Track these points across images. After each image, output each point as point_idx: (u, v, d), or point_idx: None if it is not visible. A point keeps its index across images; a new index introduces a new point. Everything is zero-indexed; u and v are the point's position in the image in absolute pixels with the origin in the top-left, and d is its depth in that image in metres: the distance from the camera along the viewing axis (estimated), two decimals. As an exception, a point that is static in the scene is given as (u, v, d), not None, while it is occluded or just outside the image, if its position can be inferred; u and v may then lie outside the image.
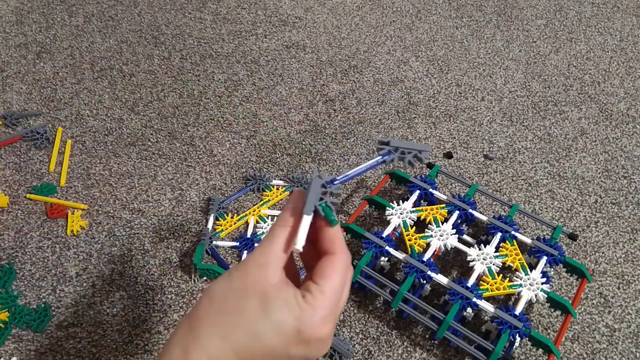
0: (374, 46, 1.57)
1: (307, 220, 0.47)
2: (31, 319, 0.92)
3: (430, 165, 1.13)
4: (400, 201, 1.04)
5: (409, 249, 0.97)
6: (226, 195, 1.15)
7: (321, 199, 0.48)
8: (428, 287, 0.95)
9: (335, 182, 0.50)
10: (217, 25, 1.60)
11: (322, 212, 0.48)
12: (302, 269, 1.03)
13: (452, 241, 0.98)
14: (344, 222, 1.10)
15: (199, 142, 1.26)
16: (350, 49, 1.55)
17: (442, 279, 0.92)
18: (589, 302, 1.01)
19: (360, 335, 0.94)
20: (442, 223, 1.01)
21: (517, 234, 0.99)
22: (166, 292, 0.98)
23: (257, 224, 1.09)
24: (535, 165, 1.26)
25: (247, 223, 1.10)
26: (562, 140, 1.32)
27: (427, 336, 0.95)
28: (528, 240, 0.99)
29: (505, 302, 1.00)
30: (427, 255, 0.95)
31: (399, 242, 1.06)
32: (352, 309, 0.98)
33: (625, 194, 1.21)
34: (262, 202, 1.13)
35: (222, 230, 1.07)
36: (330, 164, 1.22)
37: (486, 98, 1.42)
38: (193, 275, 1.00)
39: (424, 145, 0.52)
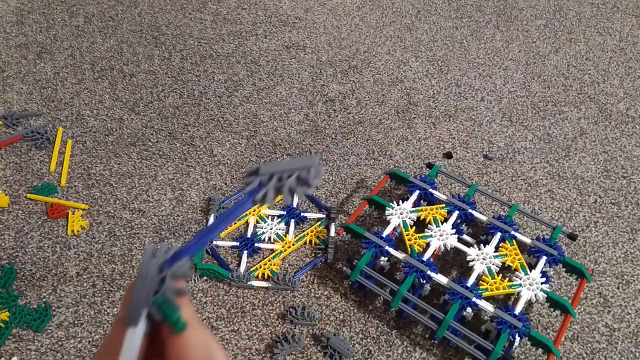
0: (374, 46, 1.57)
1: (132, 337, 0.30)
2: (31, 318, 0.93)
3: (430, 165, 1.14)
4: (400, 201, 1.04)
5: (409, 249, 0.97)
6: (226, 195, 1.15)
7: (157, 292, 0.31)
8: (428, 287, 0.96)
9: (178, 258, 0.33)
10: (218, 25, 1.60)
11: (159, 314, 0.31)
12: (302, 269, 1.03)
13: (452, 241, 0.98)
14: (344, 222, 1.11)
15: (199, 142, 1.26)
16: (350, 50, 1.55)
17: (441, 279, 0.92)
18: (588, 302, 1.01)
19: (360, 335, 0.94)
20: (442, 223, 1.01)
21: (516, 234, 1.00)
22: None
23: (257, 224, 1.09)
24: (534, 165, 1.26)
25: (247, 223, 1.10)
26: (561, 140, 1.32)
27: (426, 336, 0.95)
28: (528, 240, 0.99)
29: (504, 302, 1.00)
30: (427, 255, 0.95)
31: (398, 242, 1.06)
32: (352, 308, 0.98)
33: (624, 194, 1.21)
34: (262, 202, 1.13)
35: (222, 230, 1.07)
36: (330, 164, 1.23)
37: (486, 98, 1.42)
38: (193, 275, 1.00)
39: (310, 158, 0.36)
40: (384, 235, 0.98)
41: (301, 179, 0.35)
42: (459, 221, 1.03)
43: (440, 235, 0.99)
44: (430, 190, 1.06)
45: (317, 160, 0.36)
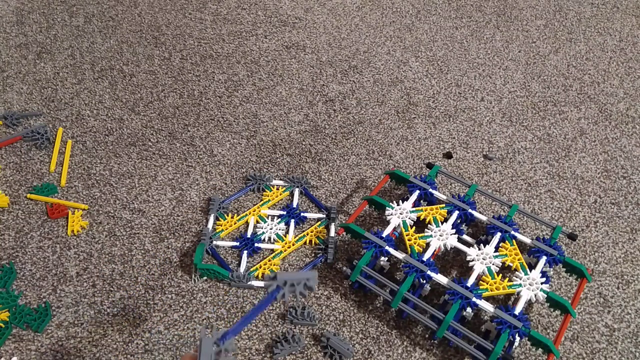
0: (374, 46, 1.57)
1: None
2: (32, 318, 0.93)
3: (430, 165, 1.14)
4: (400, 201, 1.04)
5: (409, 249, 0.97)
6: (226, 195, 1.15)
7: None
8: (428, 286, 0.96)
9: (227, 337, 0.47)
10: (218, 25, 1.60)
11: None
12: (306, 266, 1.03)
13: (452, 241, 0.98)
14: (344, 222, 1.11)
15: (199, 142, 1.26)
16: (350, 50, 1.55)
17: (441, 279, 0.92)
18: (588, 302, 1.01)
19: (360, 335, 0.94)
20: (442, 223, 1.01)
21: (516, 234, 1.00)
22: (166, 292, 0.98)
23: (257, 224, 1.09)
24: (534, 165, 1.26)
25: (247, 223, 1.10)
26: (561, 140, 1.32)
27: (426, 336, 0.95)
28: (528, 240, 0.99)
29: (504, 302, 1.00)
30: (427, 255, 0.95)
31: (398, 242, 1.06)
32: (352, 308, 0.98)
33: (624, 194, 1.21)
34: (262, 202, 1.13)
35: (222, 230, 1.07)
36: (330, 164, 1.23)
37: (486, 98, 1.42)
38: (193, 275, 1.00)
39: (311, 272, 0.54)
40: (384, 235, 0.98)
41: (306, 286, 0.53)
42: (459, 221, 1.03)
43: (440, 235, 0.99)
44: (430, 190, 1.06)
45: (316, 274, 0.55)
